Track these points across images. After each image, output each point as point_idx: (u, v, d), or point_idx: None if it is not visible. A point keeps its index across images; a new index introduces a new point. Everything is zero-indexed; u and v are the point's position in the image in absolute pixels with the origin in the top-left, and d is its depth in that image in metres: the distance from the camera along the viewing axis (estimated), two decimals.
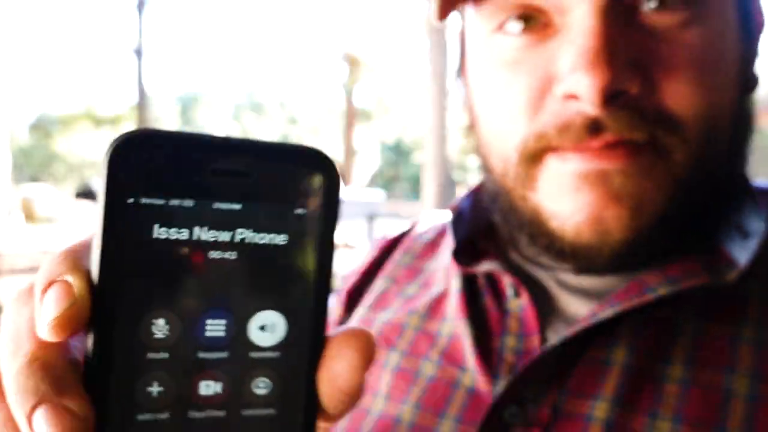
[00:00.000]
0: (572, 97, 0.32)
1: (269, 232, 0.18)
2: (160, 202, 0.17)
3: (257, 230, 0.18)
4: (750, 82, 0.37)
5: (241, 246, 0.18)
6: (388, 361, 0.40)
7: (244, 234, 0.18)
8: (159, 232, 0.17)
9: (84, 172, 43.56)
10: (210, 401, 0.18)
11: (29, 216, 17.69)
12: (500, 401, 0.34)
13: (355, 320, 0.45)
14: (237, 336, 0.18)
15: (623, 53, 0.31)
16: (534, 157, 0.35)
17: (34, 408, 0.15)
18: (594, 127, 0.32)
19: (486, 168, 0.40)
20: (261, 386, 0.19)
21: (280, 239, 0.18)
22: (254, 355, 0.18)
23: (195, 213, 0.17)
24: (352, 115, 14.51)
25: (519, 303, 0.38)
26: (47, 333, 0.16)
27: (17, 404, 0.16)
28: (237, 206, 0.18)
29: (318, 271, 0.19)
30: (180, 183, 0.17)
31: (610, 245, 0.33)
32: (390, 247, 0.50)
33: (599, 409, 0.32)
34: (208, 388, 0.18)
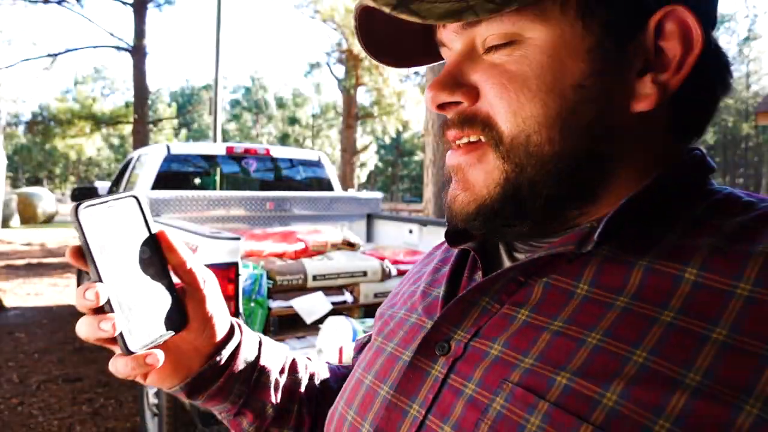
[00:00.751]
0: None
1: (130, 223, 0.49)
2: (101, 224, 0.47)
3: (126, 222, 0.49)
4: (617, 112, 0.44)
5: (127, 229, 0.49)
6: (396, 316, 0.58)
7: (125, 226, 0.49)
8: (103, 236, 0.47)
9: (83, 171, 43.51)
10: (140, 281, 0.49)
11: (27, 216, 17.64)
12: (431, 336, 0.49)
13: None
14: (134, 258, 0.49)
15: (457, 79, 0.46)
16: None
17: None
18: (445, 125, 0.49)
19: None
20: (151, 272, 0.50)
21: (133, 224, 0.50)
22: (144, 262, 0.49)
23: (115, 226, 0.48)
24: (351, 115, 14.46)
25: (479, 273, 0.53)
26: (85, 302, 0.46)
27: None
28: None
29: (148, 231, 0.50)
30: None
31: (462, 217, 0.48)
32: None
33: (495, 349, 0.44)
34: (138, 276, 0.49)
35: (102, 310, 0.46)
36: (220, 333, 0.56)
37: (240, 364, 0.58)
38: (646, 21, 0.42)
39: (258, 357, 0.61)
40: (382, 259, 2.78)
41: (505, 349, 0.44)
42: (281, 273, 2.49)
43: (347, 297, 2.62)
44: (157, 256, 0.50)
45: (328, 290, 2.58)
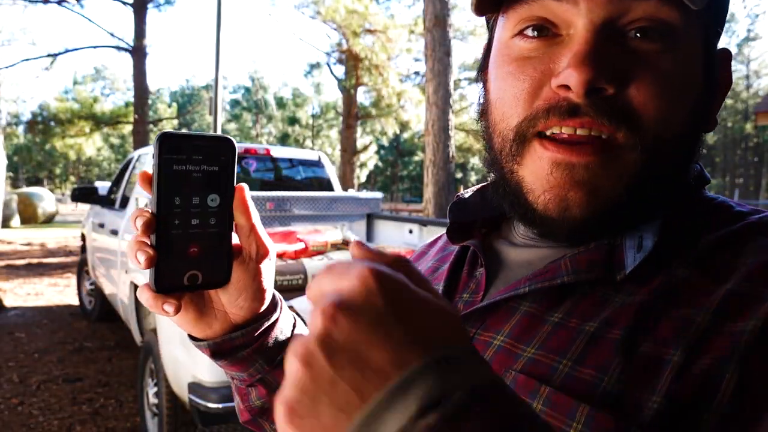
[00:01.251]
0: (563, 87, 0.43)
1: (213, 167, 0.47)
2: (181, 159, 0.46)
3: (209, 166, 0.47)
4: (703, 120, 0.47)
5: (206, 172, 0.47)
6: None
7: (206, 168, 0.47)
8: (178, 171, 0.46)
9: (83, 171, 43.49)
10: (195, 227, 0.47)
11: (27, 216, 17.63)
12: None
13: None
14: (202, 202, 0.47)
15: (606, 61, 0.42)
16: (524, 137, 0.46)
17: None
18: (573, 111, 0.43)
19: (488, 146, 0.52)
20: (212, 222, 0.48)
21: (216, 169, 0.47)
22: (209, 209, 0.48)
23: (193, 164, 0.46)
24: (351, 115, 14.47)
25: (480, 271, 0.55)
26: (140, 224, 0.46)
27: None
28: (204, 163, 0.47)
29: (230, 181, 0.49)
30: (187, 156, 0.46)
31: (569, 220, 0.45)
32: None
33: (498, 339, 0.47)
34: (195, 222, 0.47)
35: (147, 239, 0.47)
36: (264, 305, 0.56)
37: (270, 341, 0.58)
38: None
39: (288, 339, 0.60)
40: None
41: (508, 339, 0.46)
42: (281, 273, 2.49)
43: None
44: (225, 209, 0.49)
45: None
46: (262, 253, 0.53)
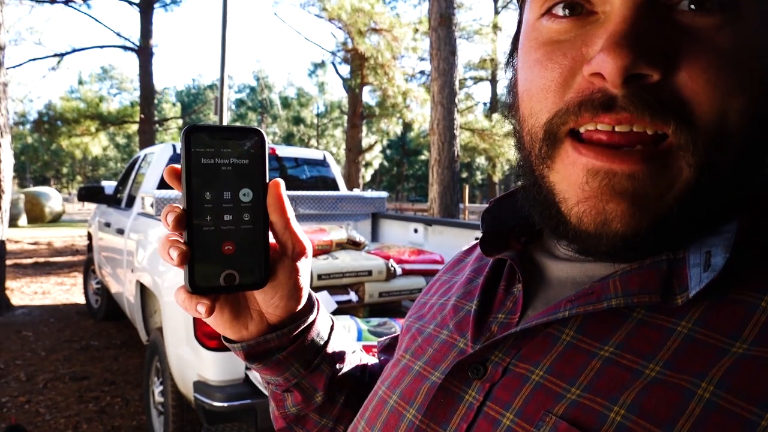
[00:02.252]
0: (596, 75, 0.36)
1: (243, 160, 0.46)
2: (210, 153, 0.45)
3: (239, 159, 0.46)
4: None
5: (236, 166, 0.46)
6: (425, 331, 0.54)
7: (235, 162, 0.45)
8: (207, 165, 0.44)
9: (89, 170, 43.64)
10: (228, 224, 0.45)
11: (34, 215, 17.72)
12: (466, 359, 0.44)
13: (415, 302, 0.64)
14: (234, 197, 0.46)
15: (649, 41, 0.34)
16: (555, 136, 0.39)
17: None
18: (609, 104, 0.35)
19: (519, 147, 0.45)
20: (245, 218, 0.46)
21: (246, 162, 0.46)
22: (242, 205, 0.46)
23: (222, 158, 0.45)
24: (356, 115, 14.46)
25: (518, 287, 0.48)
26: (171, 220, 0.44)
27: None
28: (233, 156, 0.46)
29: (261, 175, 0.46)
30: (216, 150, 0.45)
31: (609, 236, 0.37)
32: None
33: (536, 374, 0.40)
34: (228, 218, 0.45)
35: (179, 236, 0.45)
36: (299, 305, 0.53)
37: (307, 344, 0.55)
38: None
39: (326, 343, 0.58)
40: (387, 258, 2.78)
41: (549, 375, 0.39)
42: None
43: (352, 296, 2.62)
44: (258, 205, 0.47)
45: (333, 289, 2.58)
46: (298, 251, 0.50)
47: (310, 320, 0.55)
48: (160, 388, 2.91)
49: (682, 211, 0.37)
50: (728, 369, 0.32)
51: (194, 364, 2.29)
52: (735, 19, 0.35)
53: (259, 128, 0.46)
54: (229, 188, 0.45)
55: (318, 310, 0.57)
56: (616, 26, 0.35)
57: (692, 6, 0.35)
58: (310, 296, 0.56)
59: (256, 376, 2.18)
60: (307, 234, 2.83)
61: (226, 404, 2.13)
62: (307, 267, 0.52)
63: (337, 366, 0.59)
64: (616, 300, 0.38)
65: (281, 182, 0.47)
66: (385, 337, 0.71)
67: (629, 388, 0.35)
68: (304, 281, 0.52)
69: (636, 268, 0.40)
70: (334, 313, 2.46)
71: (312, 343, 0.56)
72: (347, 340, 0.63)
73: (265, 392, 2.11)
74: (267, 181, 0.47)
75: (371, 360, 0.68)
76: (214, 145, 0.44)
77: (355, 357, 0.64)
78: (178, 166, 0.45)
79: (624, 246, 0.38)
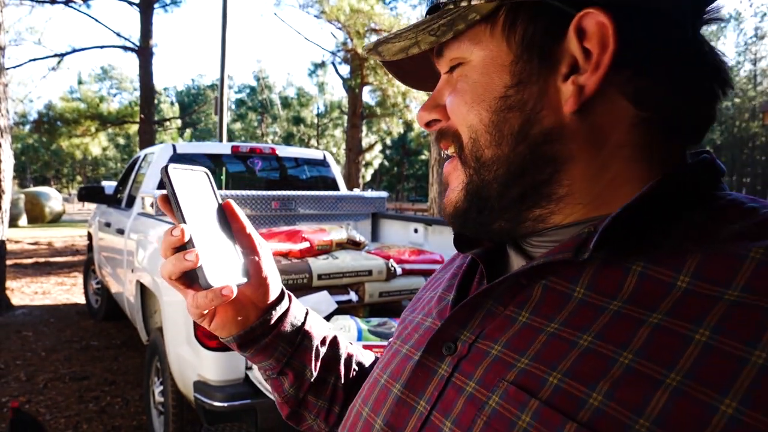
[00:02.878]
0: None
1: (202, 188, 0.59)
2: (184, 183, 0.57)
3: (198, 187, 0.59)
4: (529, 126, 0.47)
5: (201, 190, 0.59)
6: (414, 320, 0.62)
7: (198, 188, 0.59)
8: (186, 191, 0.56)
9: (89, 170, 43.59)
10: (211, 232, 0.57)
11: (34, 215, 17.72)
12: (439, 336, 0.52)
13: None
14: (209, 214, 0.58)
15: (436, 100, 0.53)
16: None
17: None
18: (436, 139, 0.55)
19: None
20: (220, 228, 0.59)
21: (204, 190, 0.59)
22: (213, 217, 0.59)
23: (190, 188, 0.57)
24: (356, 115, 14.46)
25: (485, 283, 0.55)
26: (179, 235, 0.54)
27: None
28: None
29: (216, 198, 0.61)
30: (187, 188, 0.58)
31: (447, 219, 0.54)
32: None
33: (495, 349, 0.46)
34: (211, 240, 0.56)
35: (184, 249, 0.54)
36: (273, 294, 0.65)
37: (287, 326, 0.66)
38: (567, 28, 0.44)
39: (303, 323, 0.69)
40: (387, 258, 2.78)
41: (505, 350, 0.46)
42: (286, 272, 2.50)
43: (352, 296, 2.62)
44: (224, 220, 0.60)
45: (333, 289, 2.58)
46: (259, 245, 0.62)
47: (284, 307, 0.66)
48: (161, 388, 2.91)
49: (468, 198, 0.51)
50: (608, 323, 0.41)
51: (194, 364, 2.29)
52: (463, 70, 0.50)
53: (203, 170, 0.60)
54: (203, 210, 0.58)
55: (291, 300, 0.68)
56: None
57: (449, 72, 0.52)
58: (282, 290, 0.67)
59: (256, 376, 2.18)
60: (307, 234, 2.84)
61: (226, 404, 2.13)
62: (268, 259, 0.63)
63: (318, 340, 0.70)
64: (543, 260, 0.46)
65: (231, 201, 0.61)
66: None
67: (566, 356, 0.41)
68: (271, 277, 0.63)
69: (558, 233, 0.49)
70: (334, 312, 2.46)
71: (291, 325, 0.67)
72: (322, 321, 0.73)
73: (266, 392, 2.12)
74: (221, 202, 0.61)
75: (359, 350, 0.77)
76: (184, 178, 0.57)
77: (342, 343, 0.74)
78: (165, 193, 0.57)
79: (453, 224, 0.53)
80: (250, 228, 0.61)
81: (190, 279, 0.56)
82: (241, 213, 0.61)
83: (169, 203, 0.55)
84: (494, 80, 0.47)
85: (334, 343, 0.72)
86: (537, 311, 0.46)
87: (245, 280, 0.58)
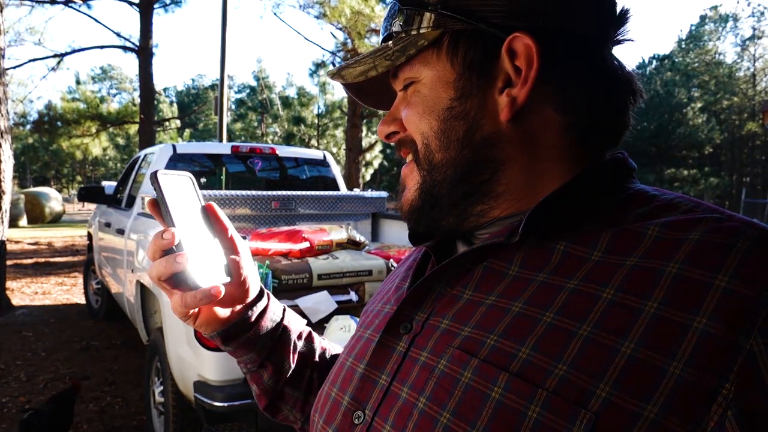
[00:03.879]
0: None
1: (187, 192, 0.62)
2: (172, 187, 0.59)
3: (183, 191, 0.61)
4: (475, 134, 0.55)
5: (186, 194, 0.62)
6: (374, 309, 0.68)
7: (184, 192, 0.62)
8: (175, 195, 0.59)
9: (89, 171, 43.58)
10: (197, 234, 0.60)
11: (34, 215, 17.71)
12: (395, 318, 0.59)
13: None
14: (194, 216, 0.61)
15: (394, 115, 0.61)
16: None
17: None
18: (396, 148, 0.63)
19: None
20: (204, 230, 0.62)
21: (188, 193, 0.62)
22: (197, 221, 0.61)
23: (177, 191, 0.60)
24: (357, 115, 14.46)
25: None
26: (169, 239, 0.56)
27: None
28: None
29: (199, 201, 0.63)
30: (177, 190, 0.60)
31: (404, 216, 0.61)
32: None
33: (443, 323, 0.54)
34: (198, 241, 0.59)
35: (173, 251, 0.57)
36: (252, 293, 0.68)
37: (267, 322, 0.71)
38: (500, 49, 0.53)
39: (282, 319, 0.74)
40: (387, 258, 2.78)
41: (451, 323, 0.53)
42: (286, 272, 2.50)
43: (352, 296, 2.62)
44: (207, 221, 0.63)
45: (333, 289, 2.58)
46: (239, 246, 0.65)
47: (264, 304, 0.71)
48: (161, 388, 2.91)
49: (424, 196, 0.58)
50: (535, 291, 0.49)
51: (194, 364, 2.29)
52: (415, 87, 0.58)
53: (188, 174, 0.63)
54: (189, 212, 0.60)
55: (269, 298, 0.73)
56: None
57: (403, 90, 0.60)
58: (261, 288, 0.72)
59: None
60: (307, 234, 2.84)
61: (226, 404, 2.13)
62: (248, 259, 0.67)
63: (295, 335, 0.75)
64: (481, 243, 0.54)
65: (213, 203, 0.64)
66: None
67: (501, 321, 0.49)
68: (251, 276, 0.67)
69: (495, 225, 0.57)
70: (334, 312, 2.46)
71: (271, 320, 0.72)
72: (297, 318, 0.79)
73: None
74: (204, 204, 0.64)
75: (331, 344, 0.83)
76: (172, 182, 0.59)
77: (316, 338, 0.80)
78: (154, 197, 0.59)
79: (410, 220, 0.61)
80: (231, 229, 0.64)
81: (177, 280, 0.58)
82: (223, 214, 0.64)
83: (158, 207, 0.58)
84: (441, 94, 0.56)
85: (310, 338, 0.78)
86: (478, 288, 0.54)
87: (229, 279, 0.62)
